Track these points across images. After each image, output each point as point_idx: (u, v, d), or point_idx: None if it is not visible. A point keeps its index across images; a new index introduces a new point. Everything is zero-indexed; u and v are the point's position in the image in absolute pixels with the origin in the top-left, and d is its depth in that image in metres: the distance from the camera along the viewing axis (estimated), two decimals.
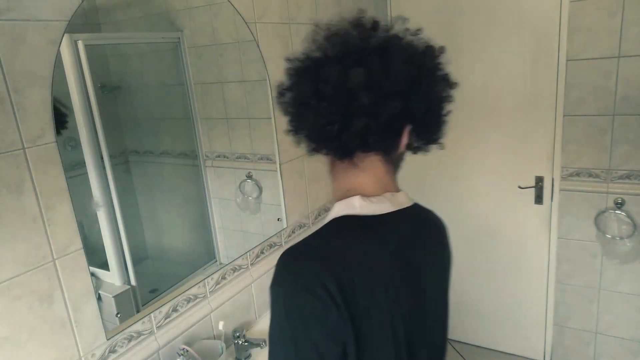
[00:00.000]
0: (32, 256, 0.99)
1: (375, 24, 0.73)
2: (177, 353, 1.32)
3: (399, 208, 0.75)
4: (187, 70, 1.54)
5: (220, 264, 1.66)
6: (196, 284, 1.44)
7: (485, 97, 2.27)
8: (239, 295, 1.59)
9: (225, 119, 1.71)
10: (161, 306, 1.32)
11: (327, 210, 2.08)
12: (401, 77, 0.68)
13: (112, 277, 1.30)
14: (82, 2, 1.06)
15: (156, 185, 1.64)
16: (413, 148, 0.80)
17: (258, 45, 1.63)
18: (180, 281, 1.45)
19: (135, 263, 1.35)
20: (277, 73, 1.72)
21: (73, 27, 1.05)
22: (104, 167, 1.25)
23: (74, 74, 1.13)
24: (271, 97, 1.71)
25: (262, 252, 1.72)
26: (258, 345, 1.44)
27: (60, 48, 1.03)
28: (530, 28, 2.14)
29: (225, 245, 1.71)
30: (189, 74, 1.54)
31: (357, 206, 0.73)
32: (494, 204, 2.43)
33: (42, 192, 1.00)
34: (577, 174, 2.18)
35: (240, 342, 1.44)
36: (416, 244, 0.76)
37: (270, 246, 1.76)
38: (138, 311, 1.30)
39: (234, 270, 1.59)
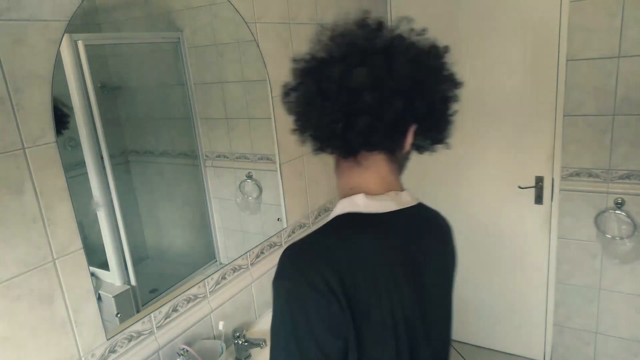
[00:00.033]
0: (32, 256, 0.99)
1: (380, 25, 0.73)
2: (177, 353, 1.32)
3: (402, 207, 0.75)
4: (187, 70, 1.54)
5: (220, 264, 1.66)
6: (196, 284, 1.44)
7: (485, 97, 2.27)
8: (239, 295, 1.59)
9: (225, 119, 1.72)
10: (161, 306, 1.32)
11: (327, 210, 2.09)
12: (404, 76, 0.69)
13: (112, 277, 1.30)
14: (82, 2, 1.06)
15: (156, 185, 1.64)
16: (419, 148, 0.80)
17: (258, 45, 1.63)
18: (180, 281, 1.45)
19: (135, 263, 1.35)
20: (277, 73, 1.72)
21: (73, 27, 1.05)
22: (104, 167, 1.25)
23: (74, 74, 1.13)
24: (271, 97, 1.71)
25: (262, 252, 1.72)
26: (258, 345, 1.43)
27: (60, 48, 1.03)
28: (530, 28, 2.14)
29: (225, 245, 1.71)
30: (189, 74, 1.54)
31: (360, 204, 0.73)
32: (494, 204, 2.43)
33: (42, 192, 1.00)
34: (577, 174, 2.18)
35: (240, 342, 1.44)
36: (419, 243, 0.76)
37: (270, 246, 1.76)
38: (138, 311, 1.30)
39: (234, 270, 1.59)
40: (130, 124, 1.52)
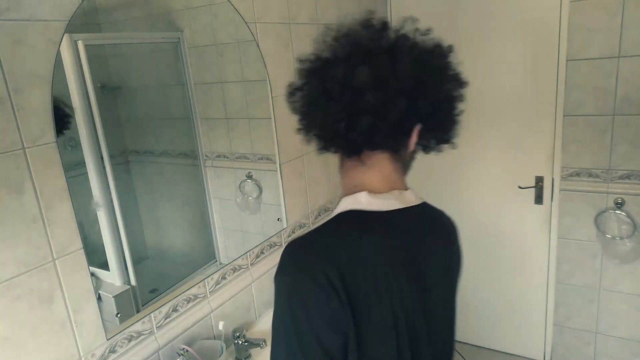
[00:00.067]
0: (32, 256, 0.99)
1: (384, 25, 0.73)
2: (177, 353, 1.32)
3: (406, 206, 0.75)
4: (187, 70, 1.54)
5: (220, 264, 1.66)
6: (196, 284, 1.44)
7: (485, 97, 2.27)
8: (239, 295, 1.59)
9: (225, 119, 1.72)
10: (161, 306, 1.32)
11: (327, 210, 2.09)
12: (408, 76, 0.69)
13: (112, 277, 1.30)
14: (82, 2, 1.06)
15: (156, 185, 1.64)
16: (425, 147, 0.80)
17: (258, 45, 1.63)
18: (180, 281, 1.45)
19: (135, 263, 1.35)
20: (277, 73, 1.72)
21: (73, 27, 1.05)
22: (104, 167, 1.25)
23: (74, 74, 1.13)
24: (271, 97, 1.71)
25: (262, 252, 1.72)
26: (258, 345, 1.43)
27: (60, 48, 1.03)
28: (530, 28, 2.14)
29: (225, 245, 1.71)
30: (189, 74, 1.54)
31: (363, 201, 0.74)
32: (494, 204, 2.43)
33: (42, 192, 1.00)
34: (577, 174, 2.18)
35: (240, 342, 1.44)
36: (422, 242, 0.76)
37: (270, 246, 1.76)
38: (138, 311, 1.30)
39: (234, 270, 1.59)
40: (130, 124, 1.52)
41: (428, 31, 0.74)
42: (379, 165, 0.76)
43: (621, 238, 2.14)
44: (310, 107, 0.75)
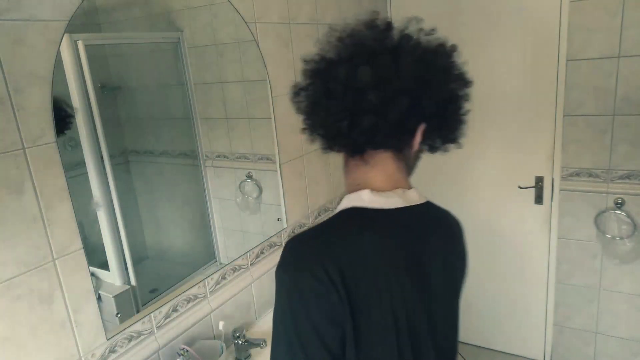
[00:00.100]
0: (32, 256, 0.99)
1: (388, 25, 0.74)
2: (177, 353, 1.32)
3: (409, 204, 0.75)
4: (187, 70, 1.54)
5: (220, 264, 1.66)
6: (196, 284, 1.44)
7: (485, 97, 2.27)
8: (239, 295, 1.59)
9: (225, 119, 1.72)
10: (161, 306, 1.32)
11: (327, 210, 2.09)
12: (410, 75, 0.69)
13: (112, 277, 1.30)
14: (82, 2, 1.06)
15: (156, 185, 1.64)
16: (431, 147, 0.80)
17: (258, 45, 1.63)
18: (180, 281, 1.45)
19: (135, 263, 1.35)
20: (277, 73, 1.72)
21: (73, 27, 1.05)
22: (104, 167, 1.25)
23: (74, 74, 1.13)
24: (271, 97, 1.71)
25: (262, 252, 1.72)
26: (258, 345, 1.43)
27: (60, 48, 1.03)
28: (530, 28, 2.14)
29: (225, 245, 1.71)
30: (189, 74, 1.54)
31: (365, 199, 0.74)
32: (494, 204, 2.43)
33: (42, 192, 1.00)
34: (577, 174, 2.18)
35: (240, 342, 1.44)
36: (425, 240, 0.76)
37: (270, 246, 1.76)
38: (138, 311, 1.30)
39: (234, 270, 1.59)
40: (130, 124, 1.52)
41: (432, 31, 0.75)
42: (382, 164, 0.76)
43: (621, 238, 2.14)
44: (314, 106, 0.76)
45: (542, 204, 2.31)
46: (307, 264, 0.66)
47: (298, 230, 1.90)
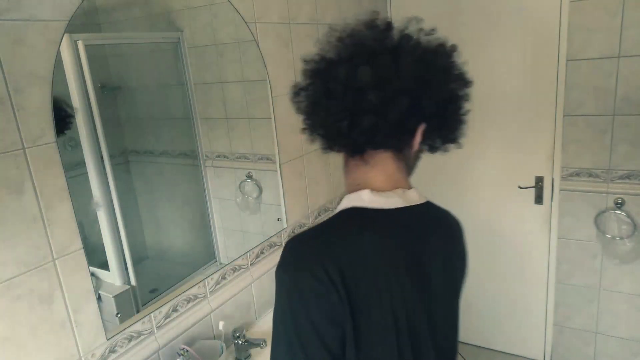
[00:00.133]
0: (32, 256, 0.99)
1: (388, 25, 0.74)
2: (177, 353, 1.32)
3: (409, 204, 0.75)
4: (187, 70, 1.54)
5: (220, 264, 1.66)
6: (196, 284, 1.44)
7: (485, 97, 2.27)
8: (239, 295, 1.59)
9: (225, 119, 1.72)
10: (161, 306, 1.32)
11: (327, 210, 2.09)
12: (410, 75, 0.69)
13: (112, 277, 1.30)
14: (82, 2, 1.06)
15: (156, 185, 1.64)
16: (431, 147, 0.80)
17: (258, 45, 1.63)
18: (180, 281, 1.45)
19: (135, 263, 1.35)
20: (277, 73, 1.72)
21: (73, 27, 1.05)
22: (104, 167, 1.25)
23: (74, 74, 1.13)
24: (271, 97, 1.71)
25: (262, 252, 1.72)
26: (258, 345, 1.43)
27: (60, 48, 1.03)
28: (530, 28, 2.14)
29: (225, 245, 1.71)
30: (189, 74, 1.54)
31: (365, 199, 0.74)
32: (494, 204, 2.43)
33: (42, 192, 1.00)
34: (577, 174, 2.18)
35: (240, 342, 1.44)
36: (425, 240, 0.76)
37: (270, 246, 1.76)
38: (138, 311, 1.30)
39: (234, 270, 1.59)
40: (130, 124, 1.52)
41: (432, 31, 0.75)
42: (382, 164, 0.77)
43: (621, 238, 2.14)
44: (314, 106, 0.76)
45: (542, 204, 2.31)
46: (307, 264, 0.66)
47: (298, 230, 1.90)
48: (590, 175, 2.15)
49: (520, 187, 2.32)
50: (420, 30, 0.74)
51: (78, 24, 1.07)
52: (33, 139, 0.98)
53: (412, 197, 0.77)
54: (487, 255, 2.51)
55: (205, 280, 1.47)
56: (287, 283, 0.68)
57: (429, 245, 0.76)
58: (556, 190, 2.26)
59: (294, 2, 1.78)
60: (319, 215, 2.03)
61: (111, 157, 1.27)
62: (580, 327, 2.37)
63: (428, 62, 0.72)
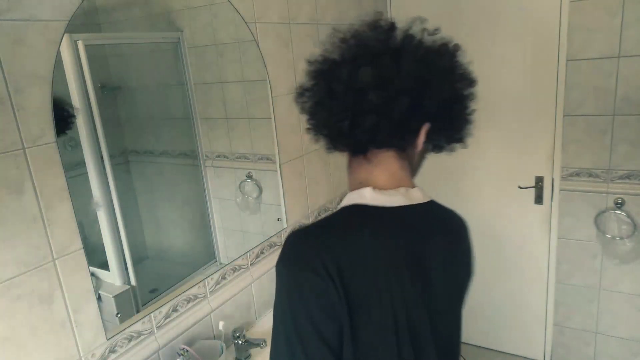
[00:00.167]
0: (32, 256, 0.99)
1: (392, 26, 0.74)
2: (177, 353, 1.32)
3: (412, 203, 0.75)
4: (187, 70, 1.54)
5: (220, 264, 1.66)
6: (196, 284, 1.44)
7: (485, 97, 2.25)
8: (239, 295, 1.59)
9: (225, 119, 1.72)
10: (161, 306, 1.32)
11: (327, 210, 2.09)
12: (411, 75, 0.70)
13: (112, 277, 1.30)
14: (82, 2, 1.06)
15: (156, 185, 1.64)
16: (436, 147, 0.80)
17: (258, 45, 1.63)
18: (180, 281, 1.45)
19: (135, 263, 1.35)
20: (277, 73, 1.72)
21: (73, 27, 1.05)
22: (104, 167, 1.25)
23: (74, 74, 1.13)
24: (271, 97, 1.71)
25: (262, 252, 1.72)
26: (258, 345, 1.43)
27: (60, 48, 1.03)
28: (530, 28, 2.14)
29: (225, 245, 1.71)
30: (189, 74, 1.54)
31: (367, 196, 0.74)
32: (494, 204, 2.43)
33: (42, 192, 1.00)
34: (577, 174, 2.18)
35: (240, 342, 1.44)
36: (426, 239, 0.76)
37: (270, 246, 1.76)
38: (138, 311, 1.30)
39: (234, 270, 1.59)
40: (130, 124, 1.52)
41: (436, 31, 0.75)
42: (385, 163, 0.77)
43: (621, 238, 2.14)
44: (317, 107, 0.76)
45: (542, 204, 2.31)
46: (307, 260, 0.67)
47: None
48: (590, 175, 2.15)
49: (520, 187, 2.32)
50: (424, 30, 0.74)
51: (78, 24, 1.07)
52: (33, 139, 0.98)
53: (415, 196, 0.77)
54: (487, 255, 2.51)
55: (205, 280, 1.47)
56: (286, 277, 0.68)
57: (431, 244, 0.76)
58: (556, 190, 2.26)
59: (294, 2, 1.78)
60: (319, 215, 2.03)
61: (111, 157, 1.27)
62: (580, 327, 2.37)
63: (430, 62, 0.72)
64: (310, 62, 0.77)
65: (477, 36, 2.25)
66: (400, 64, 0.69)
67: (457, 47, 0.76)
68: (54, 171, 1.02)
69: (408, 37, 0.73)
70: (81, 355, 1.10)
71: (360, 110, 0.70)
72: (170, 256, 1.69)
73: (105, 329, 1.15)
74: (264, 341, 1.43)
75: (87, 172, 1.22)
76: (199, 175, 1.67)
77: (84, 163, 1.21)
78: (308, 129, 0.79)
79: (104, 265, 1.29)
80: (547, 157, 2.25)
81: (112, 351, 1.18)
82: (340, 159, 0.83)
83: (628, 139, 2.04)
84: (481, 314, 2.62)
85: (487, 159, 2.39)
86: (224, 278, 1.55)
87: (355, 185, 0.78)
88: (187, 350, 1.31)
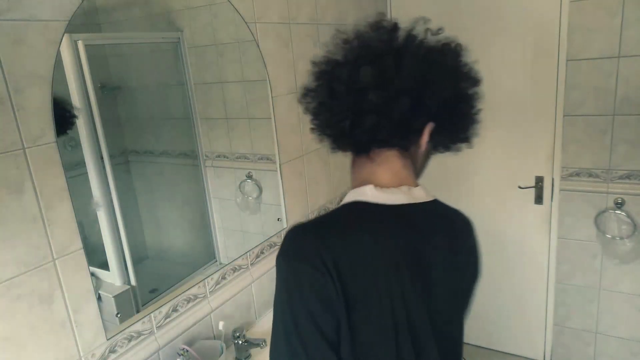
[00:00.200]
0: (32, 256, 0.99)
1: (394, 26, 0.74)
2: (177, 353, 1.32)
3: (414, 201, 0.75)
4: (187, 70, 1.54)
5: (220, 264, 1.66)
6: (196, 284, 1.44)
7: (485, 97, 2.26)
8: (239, 295, 1.59)
9: (225, 119, 1.72)
10: (161, 306, 1.32)
11: (327, 210, 2.09)
12: (411, 75, 0.70)
13: (112, 277, 1.30)
14: (82, 2, 1.06)
15: (156, 185, 1.64)
16: (442, 146, 0.81)
17: (258, 45, 1.63)
18: (180, 281, 1.45)
19: (135, 263, 1.35)
20: (277, 73, 1.72)
21: (73, 27, 1.05)
22: (104, 167, 1.25)
23: (74, 74, 1.13)
24: (271, 97, 1.71)
25: (262, 252, 1.72)
26: (258, 345, 1.43)
27: (60, 48, 1.03)
28: (530, 28, 2.14)
29: (225, 245, 1.71)
30: (189, 74, 1.54)
31: (368, 194, 0.74)
32: (494, 204, 2.43)
33: (42, 192, 1.00)
34: (577, 174, 2.18)
35: (240, 342, 1.44)
36: (427, 238, 0.75)
37: (270, 246, 1.76)
38: (138, 311, 1.30)
39: (234, 270, 1.59)
40: (130, 124, 1.52)
41: (440, 30, 0.75)
42: (388, 162, 0.77)
43: (621, 238, 2.14)
44: (320, 107, 0.77)
45: (542, 204, 2.31)
46: (306, 255, 0.67)
47: None
48: (590, 175, 2.15)
49: (520, 187, 2.32)
50: (427, 30, 0.74)
51: (78, 24, 1.07)
52: (33, 139, 0.98)
53: (417, 195, 0.77)
54: (487, 255, 2.49)
55: (205, 280, 1.47)
56: (285, 271, 0.69)
57: (432, 243, 0.75)
58: (556, 190, 2.26)
59: (294, 2, 1.78)
60: (319, 215, 2.03)
61: (111, 157, 1.27)
62: (580, 327, 2.37)
63: (431, 61, 0.72)
64: (314, 63, 0.78)
65: (477, 36, 2.25)
66: (401, 64, 0.70)
67: (459, 46, 0.76)
68: (54, 171, 1.02)
69: (410, 37, 0.73)
70: (81, 355, 1.10)
71: (361, 110, 0.71)
72: (170, 256, 1.69)
73: (105, 329, 1.15)
74: (264, 341, 1.43)
75: (87, 172, 1.22)
76: (199, 175, 1.67)
77: (84, 163, 1.21)
78: (312, 129, 0.80)
79: (104, 265, 1.29)
80: (547, 157, 2.25)
81: (112, 351, 1.18)
82: (340, 159, 0.84)
83: (628, 139, 2.04)
84: (481, 314, 2.62)
85: (487, 159, 2.39)
86: (224, 278, 1.55)
87: (358, 184, 0.78)
88: (187, 350, 1.31)
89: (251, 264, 1.66)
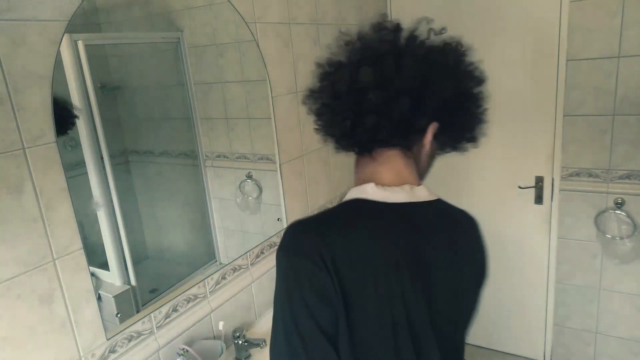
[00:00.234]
0: (32, 256, 0.99)
1: (397, 27, 0.75)
2: (177, 353, 1.32)
3: (416, 200, 0.75)
4: (187, 70, 1.54)
5: (220, 264, 1.66)
6: (196, 284, 1.44)
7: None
8: (239, 295, 1.59)
9: (225, 119, 1.71)
10: (161, 306, 1.32)
11: None
12: (411, 75, 0.70)
13: (112, 277, 1.30)
14: (82, 2, 1.06)
15: (156, 185, 1.64)
16: (448, 146, 0.81)
17: (258, 45, 1.63)
18: (180, 281, 1.45)
19: (135, 263, 1.35)
20: (277, 73, 1.72)
21: (73, 27, 1.05)
22: (104, 167, 1.25)
23: (74, 74, 1.13)
24: (271, 97, 1.71)
25: (262, 252, 1.72)
26: (258, 345, 1.43)
27: (60, 48, 1.03)
28: (530, 28, 2.14)
29: (225, 245, 1.71)
30: (189, 74, 1.54)
31: (369, 192, 0.75)
32: (494, 204, 2.43)
33: (42, 192, 1.00)
34: (577, 174, 2.18)
35: (240, 342, 1.44)
36: (429, 238, 0.74)
37: (270, 246, 1.76)
38: (138, 311, 1.30)
39: (234, 270, 1.59)
40: (130, 124, 1.52)
41: (443, 30, 0.76)
42: (390, 161, 0.77)
43: (621, 238, 2.14)
44: (323, 108, 0.78)
45: (542, 204, 2.31)
46: (305, 250, 0.67)
47: None
48: (590, 175, 2.15)
49: (520, 187, 2.32)
50: (430, 30, 0.75)
51: (78, 24, 1.07)
52: (33, 139, 0.98)
53: (420, 194, 0.77)
54: None
55: (205, 280, 1.47)
56: (285, 266, 0.69)
57: (433, 242, 0.75)
58: (556, 190, 2.26)
59: (294, 2, 1.78)
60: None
61: (111, 157, 1.27)
62: (580, 327, 2.37)
63: (432, 61, 0.72)
64: (318, 65, 0.79)
65: (477, 36, 2.24)
66: (401, 63, 0.70)
67: (461, 46, 0.76)
68: (54, 171, 1.02)
69: (412, 37, 0.74)
70: (81, 355, 1.10)
71: (361, 110, 0.71)
72: (170, 256, 1.69)
73: (105, 329, 1.15)
74: (264, 341, 1.43)
75: (87, 172, 1.22)
76: (199, 175, 1.67)
77: (84, 163, 1.21)
78: (316, 129, 0.81)
79: (104, 265, 1.29)
80: (547, 157, 2.25)
81: (112, 351, 1.18)
82: (340, 158, 0.84)
83: (628, 139, 2.04)
84: (481, 314, 2.60)
85: (487, 159, 2.39)
86: (224, 278, 1.55)
87: (360, 183, 0.79)
88: (187, 350, 1.31)
89: (251, 264, 1.67)
